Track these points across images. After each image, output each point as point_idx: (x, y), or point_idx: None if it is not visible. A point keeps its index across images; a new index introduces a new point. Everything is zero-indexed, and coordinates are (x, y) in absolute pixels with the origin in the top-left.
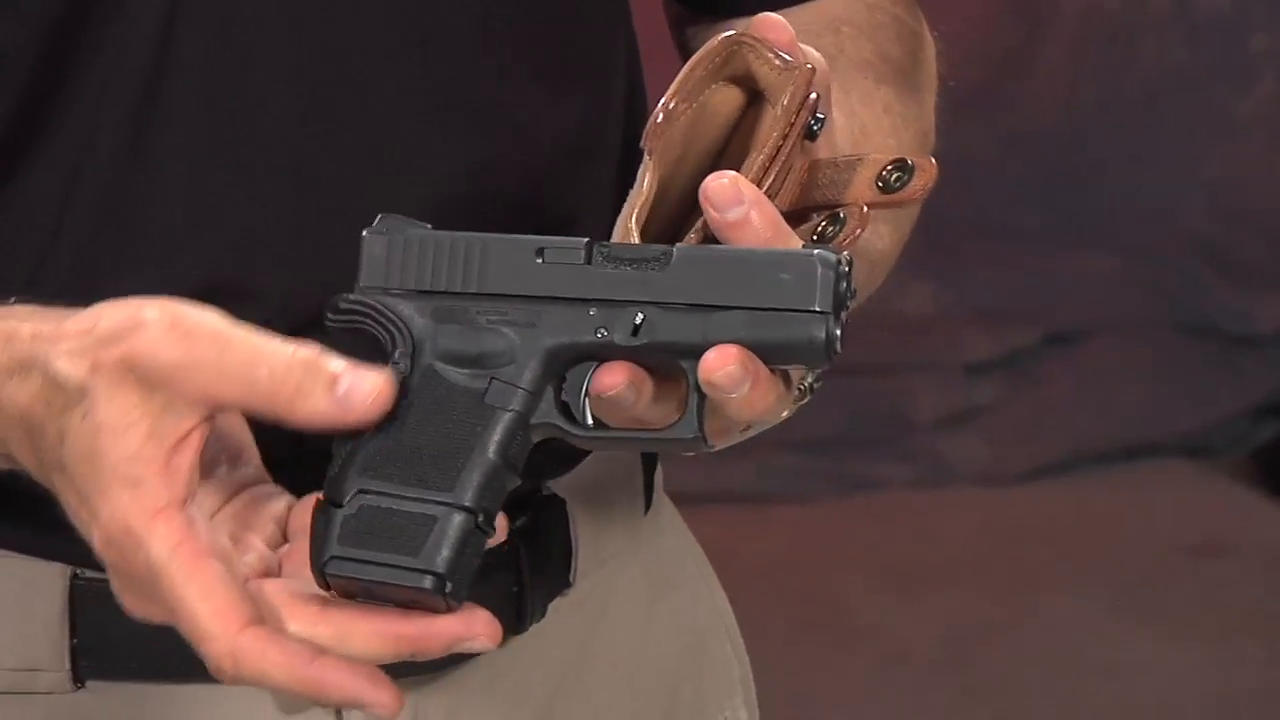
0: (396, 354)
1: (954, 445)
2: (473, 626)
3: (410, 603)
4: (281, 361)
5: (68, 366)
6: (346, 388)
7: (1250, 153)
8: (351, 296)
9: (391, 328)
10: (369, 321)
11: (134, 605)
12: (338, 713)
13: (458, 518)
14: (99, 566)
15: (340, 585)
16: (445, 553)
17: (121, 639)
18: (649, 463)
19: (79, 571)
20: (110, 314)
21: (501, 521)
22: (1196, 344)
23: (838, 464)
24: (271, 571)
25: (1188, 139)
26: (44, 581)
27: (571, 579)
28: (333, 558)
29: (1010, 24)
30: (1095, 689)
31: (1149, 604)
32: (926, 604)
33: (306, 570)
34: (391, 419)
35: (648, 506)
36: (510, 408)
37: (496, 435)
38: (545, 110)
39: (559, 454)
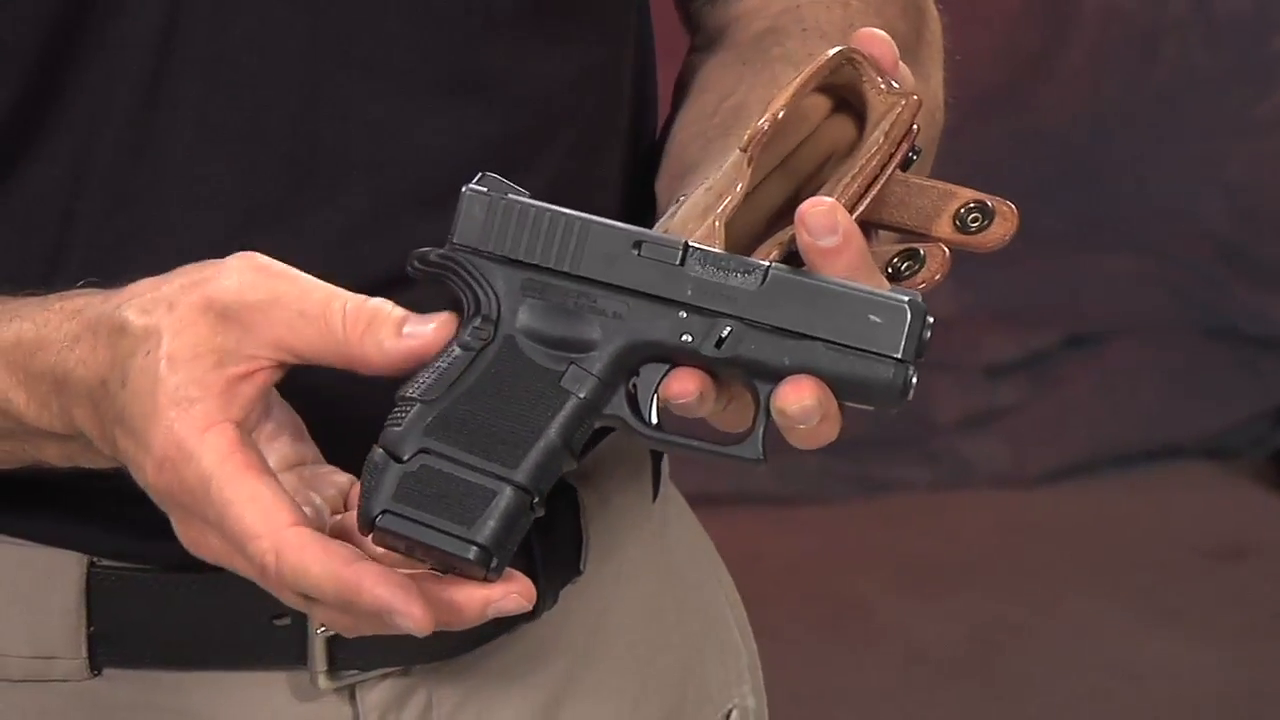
0: (479, 319)
1: (974, 447)
2: (507, 589)
3: (449, 568)
4: (354, 302)
5: (138, 315)
6: (411, 328)
7: (1270, 154)
8: (442, 251)
9: (478, 289)
10: (456, 279)
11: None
12: (351, 696)
13: (515, 495)
14: (115, 555)
15: (385, 539)
16: (496, 528)
17: (138, 627)
18: (656, 453)
19: (95, 560)
20: (189, 269)
21: None
22: (1217, 346)
23: (858, 465)
24: (322, 528)
25: (1208, 140)
26: (61, 570)
27: (582, 567)
28: (386, 511)
29: (1031, 26)
30: (1114, 690)
31: (1169, 605)
32: (947, 605)
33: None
34: (465, 382)
35: (655, 495)
36: (584, 395)
37: (566, 419)
38: (555, 77)
39: None
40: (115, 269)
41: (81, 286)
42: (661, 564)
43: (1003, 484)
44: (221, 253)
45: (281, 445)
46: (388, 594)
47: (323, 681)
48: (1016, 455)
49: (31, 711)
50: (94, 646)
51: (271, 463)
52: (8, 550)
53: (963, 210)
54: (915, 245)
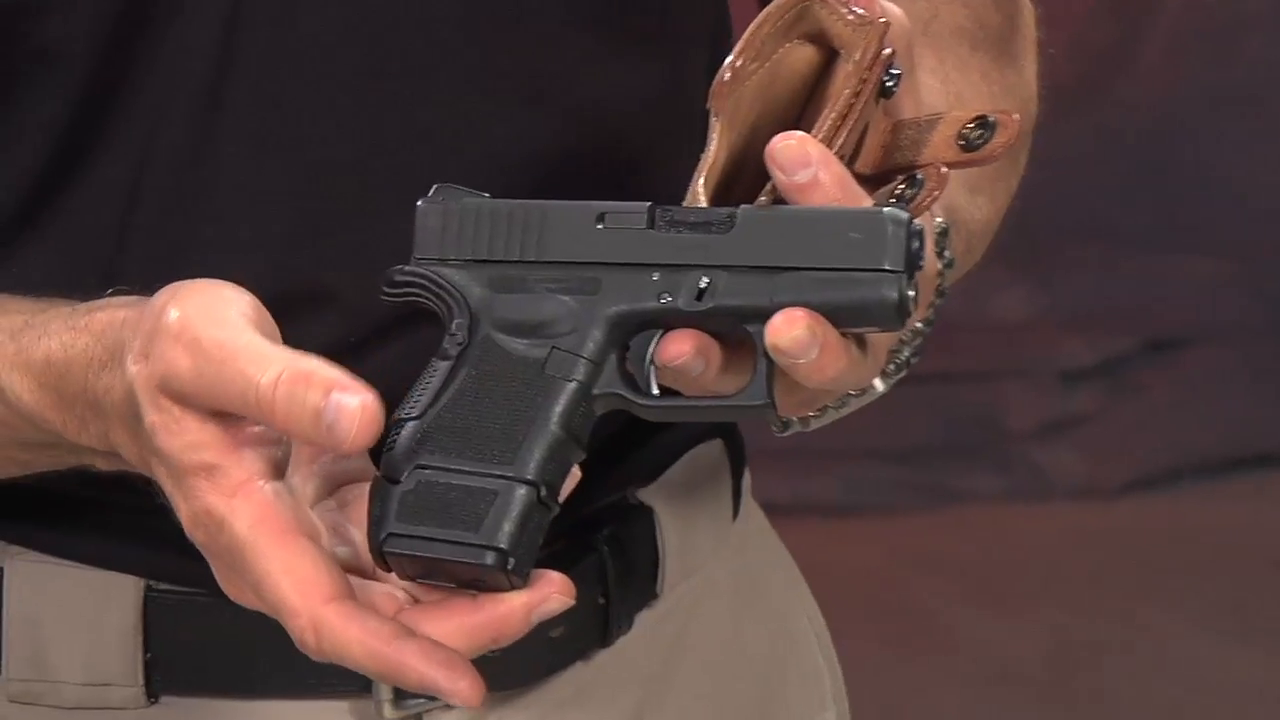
0: (454, 325)
1: (1050, 456)
2: (544, 590)
3: (473, 581)
4: (269, 381)
5: (131, 365)
6: (332, 416)
7: None
8: (406, 269)
9: (448, 299)
10: (425, 294)
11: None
12: None
13: (520, 491)
14: (172, 578)
15: (399, 564)
16: (507, 528)
17: (195, 652)
18: (736, 468)
19: (152, 584)
20: (150, 312)
21: (574, 471)
22: None
23: (929, 475)
24: (365, 567)
25: None
26: (117, 594)
27: (659, 590)
28: (390, 535)
29: (1108, 21)
30: (1200, 709)
31: (1254, 621)
32: (1024, 620)
33: None
34: (450, 392)
35: (735, 513)
36: (572, 377)
37: (559, 406)
38: (620, 88)
39: (646, 461)
40: (170, 280)
41: (112, 294)
42: (741, 585)
43: (1079, 495)
44: (276, 263)
45: (323, 466)
46: (432, 672)
47: (388, 711)
48: (1093, 465)
49: None
50: (150, 673)
51: (310, 490)
52: (64, 573)
53: (965, 130)
54: (914, 171)
